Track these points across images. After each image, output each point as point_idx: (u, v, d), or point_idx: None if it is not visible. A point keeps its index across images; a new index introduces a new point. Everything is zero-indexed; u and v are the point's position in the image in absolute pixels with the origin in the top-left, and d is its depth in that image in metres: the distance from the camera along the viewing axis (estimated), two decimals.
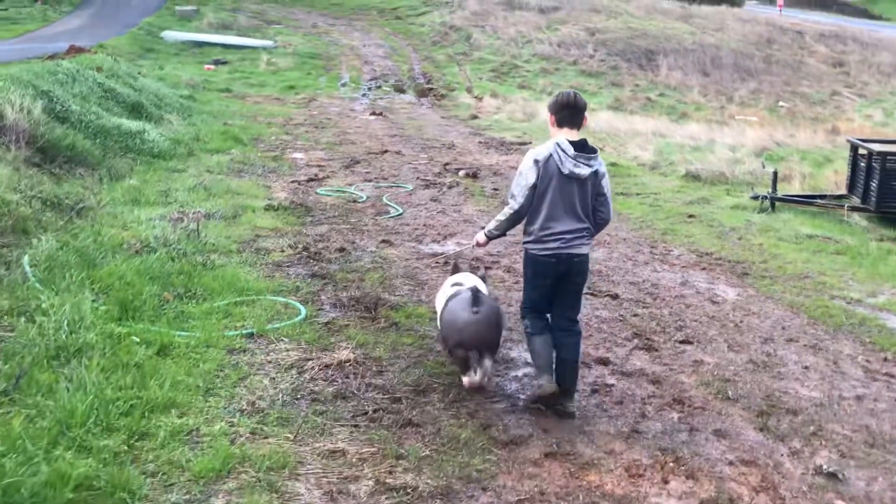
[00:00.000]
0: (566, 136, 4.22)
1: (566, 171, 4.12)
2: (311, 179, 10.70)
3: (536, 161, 4.16)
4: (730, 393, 4.62)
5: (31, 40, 26.82)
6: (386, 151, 13.86)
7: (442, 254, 7.10)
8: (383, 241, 7.76)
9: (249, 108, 18.79)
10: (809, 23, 49.61)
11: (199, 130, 13.30)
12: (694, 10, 46.93)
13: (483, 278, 5.05)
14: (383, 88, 26.39)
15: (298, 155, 12.68)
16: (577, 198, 4.19)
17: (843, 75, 36.25)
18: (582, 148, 4.19)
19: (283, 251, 6.99)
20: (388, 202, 9.60)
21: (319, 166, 11.83)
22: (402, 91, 26.27)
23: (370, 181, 10.98)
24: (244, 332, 4.91)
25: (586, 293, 6.46)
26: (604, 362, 4.97)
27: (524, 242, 4.38)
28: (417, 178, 11.57)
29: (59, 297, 4.76)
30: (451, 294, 4.56)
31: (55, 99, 10.18)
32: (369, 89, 25.89)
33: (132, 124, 11.32)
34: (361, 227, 8.33)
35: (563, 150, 4.14)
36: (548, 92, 28.68)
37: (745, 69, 34.22)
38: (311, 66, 28.61)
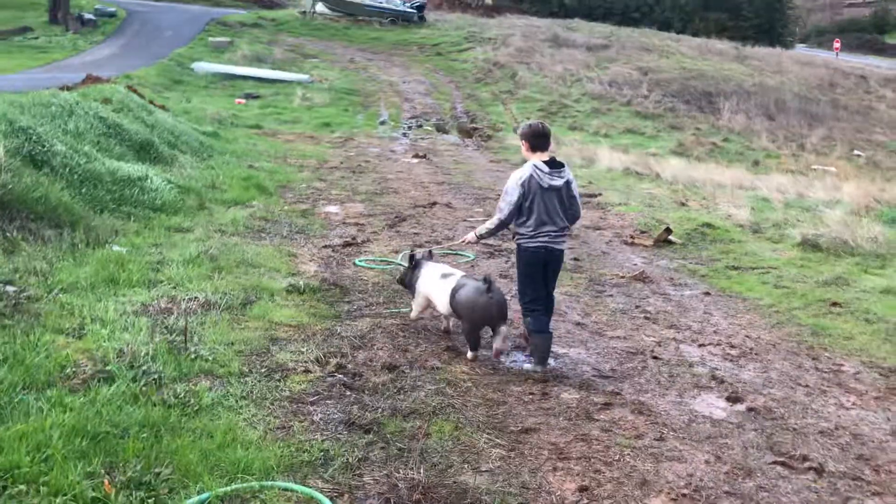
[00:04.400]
0: (539, 157, 5.24)
1: (546, 185, 5.14)
2: (347, 244, 8.54)
3: (522, 183, 5.16)
4: None
5: (55, 70, 25.31)
6: (434, 204, 11.72)
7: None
8: (448, 347, 5.52)
9: (280, 147, 16.83)
10: (870, 67, 47.13)
11: (217, 176, 11.25)
12: (748, 52, 44.72)
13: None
14: (425, 128, 24.41)
15: (333, 209, 10.56)
16: (557, 203, 5.21)
17: None
18: (553, 164, 5.21)
19: (307, 371, 4.78)
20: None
21: (358, 224, 9.68)
22: (444, 131, 24.27)
23: (420, 245, 8.78)
24: None
25: (776, 462, 4.18)
26: None
27: (517, 240, 5.35)
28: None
29: None
30: (455, 284, 5.45)
31: (35, 137, 8.18)
32: (409, 128, 23.93)
33: (132, 168, 9.29)
34: (416, 321, 6.12)
35: (540, 170, 5.16)
36: (603, 134, 26.52)
37: (812, 114, 31.78)
38: (349, 103, 26.77)
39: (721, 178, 17.47)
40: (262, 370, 4.71)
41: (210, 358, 4.70)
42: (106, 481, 3.18)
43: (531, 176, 5.14)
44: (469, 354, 5.37)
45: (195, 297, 5.78)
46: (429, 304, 5.78)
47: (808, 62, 44.50)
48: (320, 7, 43.97)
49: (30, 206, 6.94)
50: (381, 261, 7.96)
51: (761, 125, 29.48)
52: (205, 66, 29.09)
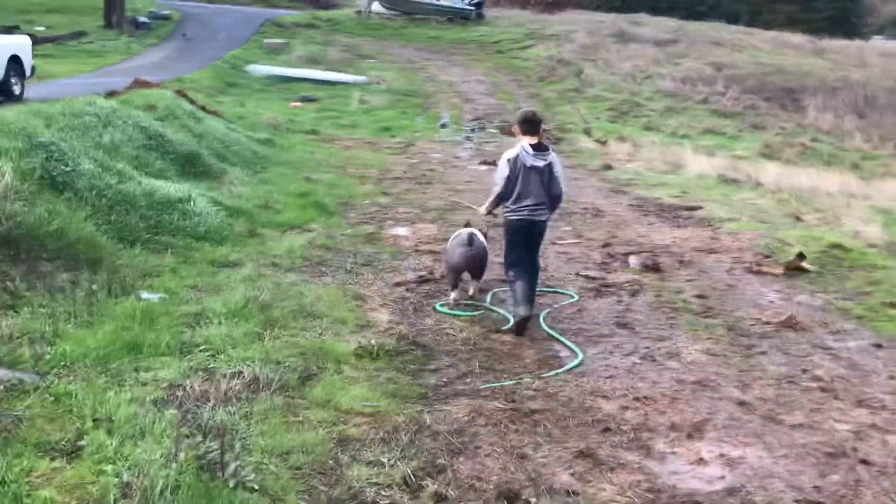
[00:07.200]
0: (528, 140, 5.96)
1: (529, 164, 5.88)
2: (423, 280, 7.09)
3: (509, 160, 5.93)
4: None
5: (106, 74, 24.47)
6: None
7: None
8: (579, 452, 4.02)
9: (338, 154, 15.49)
10: None
11: (271, 192, 9.94)
12: (825, 45, 42.09)
13: (485, 234, 6.87)
14: (488, 130, 22.82)
15: (402, 231, 9.13)
16: (539, 182, 5.92)
17: None
18: (538, 148, 5.94)
19: None
20: (555, 334, 5.90)
21: (433, 252, 8.23)
22: (510, 133, 22.70)
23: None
24: None
25: None
26: None
27: (504, 213, 6.13)
28: (576, 272, 7.89)
29: None
30: (456, 233, 6.67)
31: (57, 155, 6.93)
32: (472, 131, 22.38)
33: (173, 188, 8.00)
34: (526, 403, 4.62)
35: (527, 151, 5.90)
36: (681, 135, 24.63)
37: None
38: (407, 105, 25.39)
39: (826, 184, 15.61)
40: None
41: (255, 484, 3.29)
42: None
43: (517, 156, 5.89)
44: (451, 295, 6.47)
45: (239, 372, 4.39)
46: None
47: (893, 54, 41.71)
48: (376, 6, 42.77)
49: (42, 242, 5.67)
50: (470, 307, 6.49)
51: (852, 123, 27.21)
52: (260, 69, 28.07)
